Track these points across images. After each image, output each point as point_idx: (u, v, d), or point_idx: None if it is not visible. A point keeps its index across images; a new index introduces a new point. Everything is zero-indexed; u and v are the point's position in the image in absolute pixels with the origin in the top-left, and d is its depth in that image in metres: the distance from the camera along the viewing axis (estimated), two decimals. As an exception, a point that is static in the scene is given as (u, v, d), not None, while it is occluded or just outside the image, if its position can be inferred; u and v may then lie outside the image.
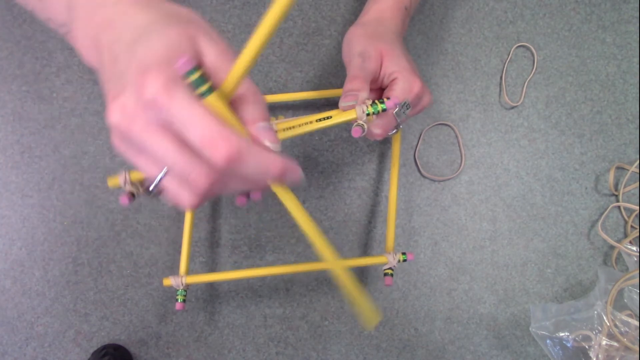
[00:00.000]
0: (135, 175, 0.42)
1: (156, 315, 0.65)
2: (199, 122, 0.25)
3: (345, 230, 0.66)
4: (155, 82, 0.25)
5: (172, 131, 0.26)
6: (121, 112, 0.27)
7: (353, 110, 0.43)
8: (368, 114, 0.43)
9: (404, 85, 0.46)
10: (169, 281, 0.55)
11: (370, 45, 0.47)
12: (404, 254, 0.54)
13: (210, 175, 0.26)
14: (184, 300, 0.55)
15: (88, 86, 0.66)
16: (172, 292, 0.65)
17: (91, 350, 0.65)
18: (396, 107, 0.45)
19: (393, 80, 0.47)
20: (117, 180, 0.42)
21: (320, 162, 0.66)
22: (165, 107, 0.26)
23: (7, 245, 0.65)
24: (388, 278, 0.54)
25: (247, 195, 0.43)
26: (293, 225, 0.66)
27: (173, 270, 0.65)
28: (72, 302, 0.65)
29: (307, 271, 0.58)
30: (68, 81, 0.66)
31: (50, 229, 0.65)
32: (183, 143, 0.26)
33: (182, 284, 0.55)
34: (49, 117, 0.66)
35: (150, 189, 0.28)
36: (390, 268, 0.54)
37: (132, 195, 0.41)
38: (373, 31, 0.50)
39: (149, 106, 0.26)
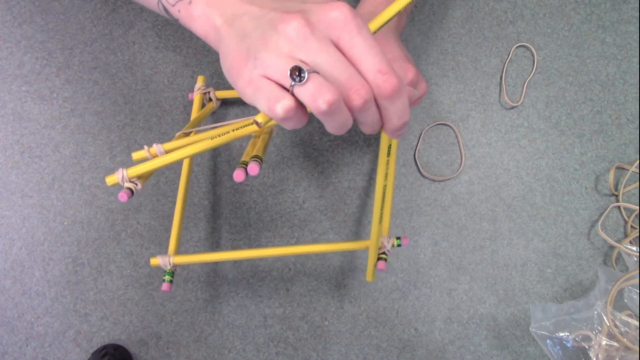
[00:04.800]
0: (133, 172, 0.42)
1: (156, 315, 0.65)
2: (378, 54, 0.30)
3: (345, 230, 0.66)
4: (345, 8, 0.30)
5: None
6: (305, 21, 0.30)
7: None
8: None
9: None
10: (156, 260, 0.54)
11: None
12: (398, 238, 0.54)
13: (369, 94, 0.31)
14: (171, 282, 0.54)
15: (88, 86, 0.66)
16: (172, 292, 0.65)
17: (91, 350, 0.65)
18: None
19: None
20: (114, 177, 0.42)
21: (320, 162, 0.66)
22: (350, 31, 0.30)
23: (7, 245, 0.65)
24: (382, 262, 0.53)
25: (246, 170, 0.44)
26: (293, 226, 0.66)
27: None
28: (72, 302, 0.65)
29: (298, 254, 0.56)
30: (68, 81, 0.66)
31: (50, 229, 0.65)
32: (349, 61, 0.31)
33: (170, 264, 0.54)
34: (49, 117, 0.66)
35: (298, 77, 0.30)
36: (384, 252, 0.54)
37: (130, 192, 0.42)
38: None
39: (332, 24, 0.30)
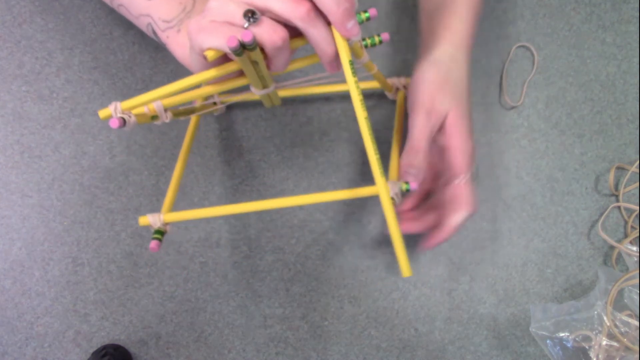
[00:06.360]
0: (126, 105, 0.43)
1: (156, 315, 0.65)
2: None
3: (345, 231, 0.66)
4: None
5: None
6: None
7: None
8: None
9: (462, 159, 0.50)
10: (145, 219, 0.50)
11: (437, 99, 0.49)
12: (406, 182, 0.49)
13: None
14: (160, 240, 0.50)
15: (88, 86, 0.66)
16: (171, 292, 0.65)
17: (91, 350, 0.65)
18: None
19: (451, 147, 0.50)
20: (108, 110, 0.43)
21: (320, 162, 0.66)
22: None
23: (7, 245, 0.65)
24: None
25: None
26: (293, 226, 0.66)
27: (173, 269, 0.65)
28: (72, 302, 0.65)
29: (300, 205, 0.51)
30: (68, 81, 0.66)
31: (50, 229, 0.65)
32: None
33: (160, 221, 0.50)
34: (49, 117, 0.66)
35: (247, 23, 0.36)
36: (392, 198, 0.48)
37: (122, 120, 0.43)
38: (444, 77, 0.50)
39: None
